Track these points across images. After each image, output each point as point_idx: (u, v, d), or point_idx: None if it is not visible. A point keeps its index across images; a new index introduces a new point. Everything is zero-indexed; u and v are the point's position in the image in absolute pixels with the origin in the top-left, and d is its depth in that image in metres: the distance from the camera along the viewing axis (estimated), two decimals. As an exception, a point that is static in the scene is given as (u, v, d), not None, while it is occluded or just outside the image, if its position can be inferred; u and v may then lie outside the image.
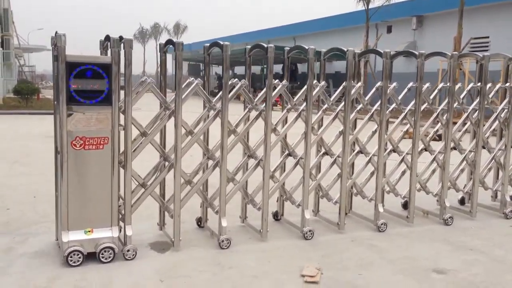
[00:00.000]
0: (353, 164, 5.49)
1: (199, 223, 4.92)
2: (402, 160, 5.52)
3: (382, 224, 5.11)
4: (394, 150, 5.53)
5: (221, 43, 4.26)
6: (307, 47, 4.68)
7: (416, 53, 5.28)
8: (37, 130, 13.39)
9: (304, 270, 3.87)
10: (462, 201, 6.42)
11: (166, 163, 4.22)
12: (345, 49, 4.88)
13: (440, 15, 25.87)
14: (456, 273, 4.04)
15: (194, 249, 4.29)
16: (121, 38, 3.68)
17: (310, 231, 4.73)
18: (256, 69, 33.82)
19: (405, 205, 5.91)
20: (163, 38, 60.72)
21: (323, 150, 5.18)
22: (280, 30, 39.59)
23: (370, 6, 26.99)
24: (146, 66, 65.00)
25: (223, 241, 4.32)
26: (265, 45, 4.51)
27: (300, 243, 4.62)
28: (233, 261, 4.06)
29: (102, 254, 3.73)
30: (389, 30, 29.83)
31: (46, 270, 3.68)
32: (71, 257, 3.63)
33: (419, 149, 5.61)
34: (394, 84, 5.34)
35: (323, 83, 5.00)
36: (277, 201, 5.33)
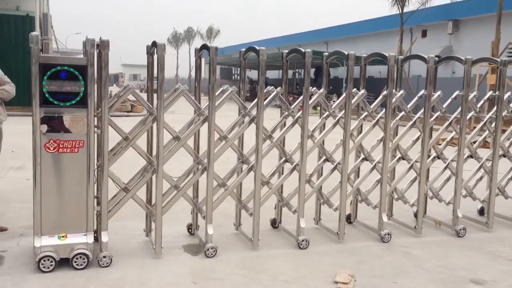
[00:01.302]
0: (358, 170, 5.27)
1: (189, 230, 4.78)
2: (411, 167, 5.27)
3: (386, 234, 4.86)
4: (403, 158, 5.30)
5: (209, 47, 4.14)
6: (303, 50, 4.50)
7: (426, 57, 5.01)
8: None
9: (337, 277, 3.81)
10: (481, 211, 6.05)
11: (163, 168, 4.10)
12: (346, 53, 4.69)
13: (477, 19, 24.97)
14: (494, 284, 3.89)
15: (228, 253, 4.31)
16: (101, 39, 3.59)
17: (304, 240, 4.53)
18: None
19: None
20: (196, 42, 61.32)
21: (324, 157, 4.98)
22: (312, 34, 39.19)
23: (405, 10, 26.33)
24: (179, 70, 65.71)
25: (208, 249, 4.16)
26: (257, 48, 4.34)
27: (329, 250, 4.55)
28: (265, 266, 4.06)
29: (75, 260, 3.64)
30: (424, 34, 29.02)
31: (85, 269, 3.73)
32: (42, 262, 3.55)
33: (432, 156, 5.40)
34: (402, 91, 5.12)
35: (322, 90, 4.86)
36: (275, 208, 5.15)
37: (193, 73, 57.79)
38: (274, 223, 5.17)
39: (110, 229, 3.91)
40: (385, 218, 4.90)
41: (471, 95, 5.36)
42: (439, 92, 5.31)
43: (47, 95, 3.44)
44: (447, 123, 5.44)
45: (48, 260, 3.55)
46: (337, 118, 4.91)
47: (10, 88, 4.35)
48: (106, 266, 3.75)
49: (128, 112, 19.73)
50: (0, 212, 5.09)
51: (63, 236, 3.63)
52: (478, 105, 5.70)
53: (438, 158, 5.46)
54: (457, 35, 26.68)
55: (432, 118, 5.22)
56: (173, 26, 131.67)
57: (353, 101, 4.74)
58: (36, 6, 24.64)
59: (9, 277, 3.54)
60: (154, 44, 4.06)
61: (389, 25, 29.60)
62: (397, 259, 4.40)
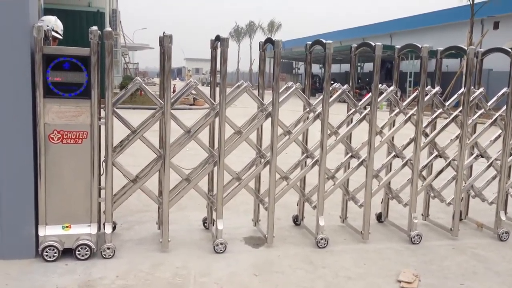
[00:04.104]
0: (391, 164, 5.02)
1: (205, 224, 4.71)
2: (448, 164, 4.95)
3: (416, 235, 4.58)
4: (440, 156, 4.99)
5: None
6: (324, 41, 4.27)
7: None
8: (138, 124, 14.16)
9: (401, 276, 3.73)
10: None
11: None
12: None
13: (556, 9, 23.07)
14: None
15: (289, 246, 4.32)
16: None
17: (323, 239, 4.35)
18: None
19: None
20: (258, 36, 61.47)
21: (349, 153, 4.75)
22: (376, 27, 38.00)
23: (476, 0, 24.80)
24: (240, 64, 66.21)
25: (217, 245, 4.06)
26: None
27: (397, 247, 4.45)
28: (326, 261, 4.03)
29: (79, 251, 3.65)
30: (496, 26, 27.27)
31: (149, 256, 3.89)
32: (46, 252, 3.58)
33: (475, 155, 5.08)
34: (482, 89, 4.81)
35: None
36: (297, 205, 4.97)
37: (254, 67, 58.24)
38: (296, 220, 5.01)
39: (171, 219, 4.06)
40: (415, 220, 4.58)
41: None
42: (481, 89, 4.95)
43: (50, 86, 3.46)
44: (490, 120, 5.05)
45: (51, 249, 3.59)
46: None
47: None
48: (109, 258, 3.74)
49: (190, 105, 20.03)
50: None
51: (67, 227, 3.65)
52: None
53: (482, 156, 5.11)
54: (532, 27, 24.83)
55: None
56: (235, 20, 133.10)
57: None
58: (106, 3, 25.69)
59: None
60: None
61: (457, 17, 28.12)
62: (465, 261, 4.19)
